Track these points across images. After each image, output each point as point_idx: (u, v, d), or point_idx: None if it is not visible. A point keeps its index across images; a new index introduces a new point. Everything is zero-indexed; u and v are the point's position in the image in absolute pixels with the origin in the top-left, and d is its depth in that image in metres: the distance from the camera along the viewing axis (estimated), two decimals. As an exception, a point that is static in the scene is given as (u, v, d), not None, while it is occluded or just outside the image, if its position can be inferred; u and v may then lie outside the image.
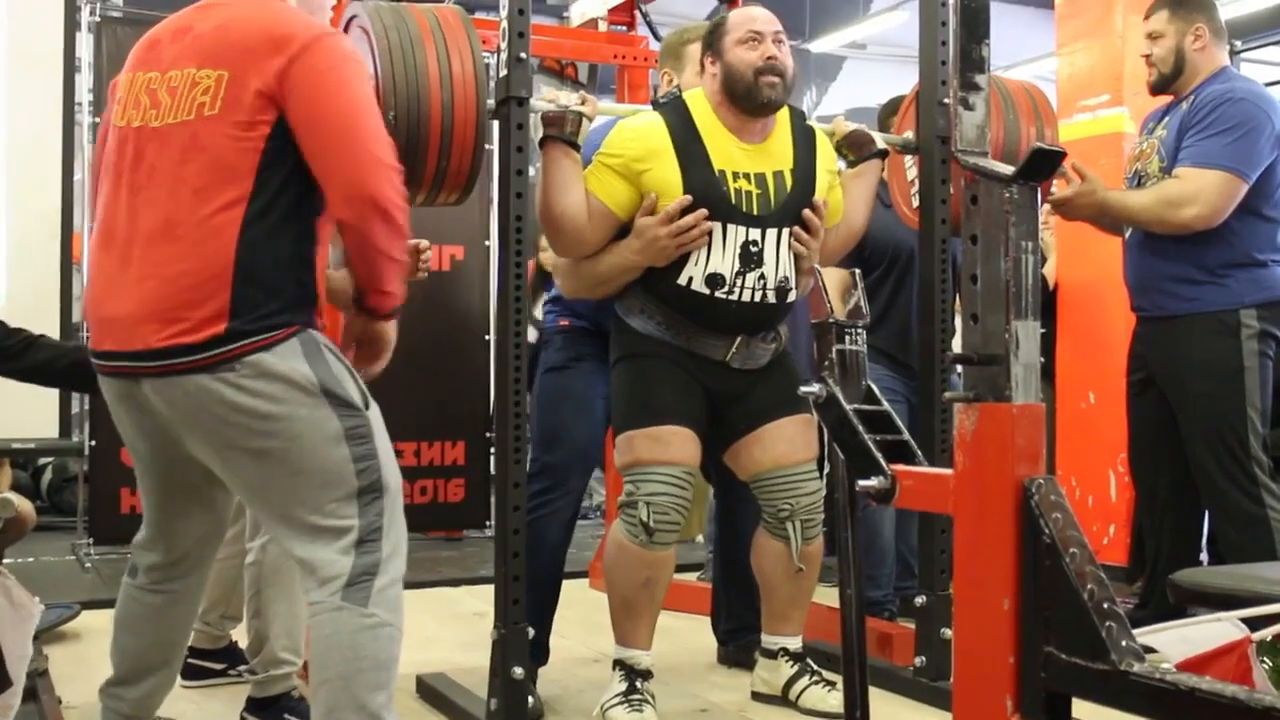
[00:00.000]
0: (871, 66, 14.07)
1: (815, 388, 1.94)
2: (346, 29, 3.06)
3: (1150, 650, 1.83)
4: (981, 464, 1.54)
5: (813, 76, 14.29)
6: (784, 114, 3.26)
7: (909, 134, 3.63)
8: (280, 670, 3.04)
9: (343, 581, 2.28)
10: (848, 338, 2.05)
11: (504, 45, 3.00)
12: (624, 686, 3.17)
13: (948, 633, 3.35)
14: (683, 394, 3.18)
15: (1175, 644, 2.02)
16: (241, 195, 2.28)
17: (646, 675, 3.20)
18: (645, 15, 5.20)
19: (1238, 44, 7.11)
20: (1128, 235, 3.92)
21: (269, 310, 2.29)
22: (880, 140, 3.49)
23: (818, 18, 13.62)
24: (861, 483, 1.80)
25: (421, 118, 2.86)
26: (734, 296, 3.14)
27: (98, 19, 6.13)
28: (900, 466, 1.79)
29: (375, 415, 2.40)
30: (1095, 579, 1.42)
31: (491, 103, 3.01)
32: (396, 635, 2.32)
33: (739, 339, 3.21)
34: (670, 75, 3.64)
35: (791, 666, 3.37)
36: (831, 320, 2.06)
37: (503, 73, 3.01)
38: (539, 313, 6.07)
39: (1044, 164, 1.53)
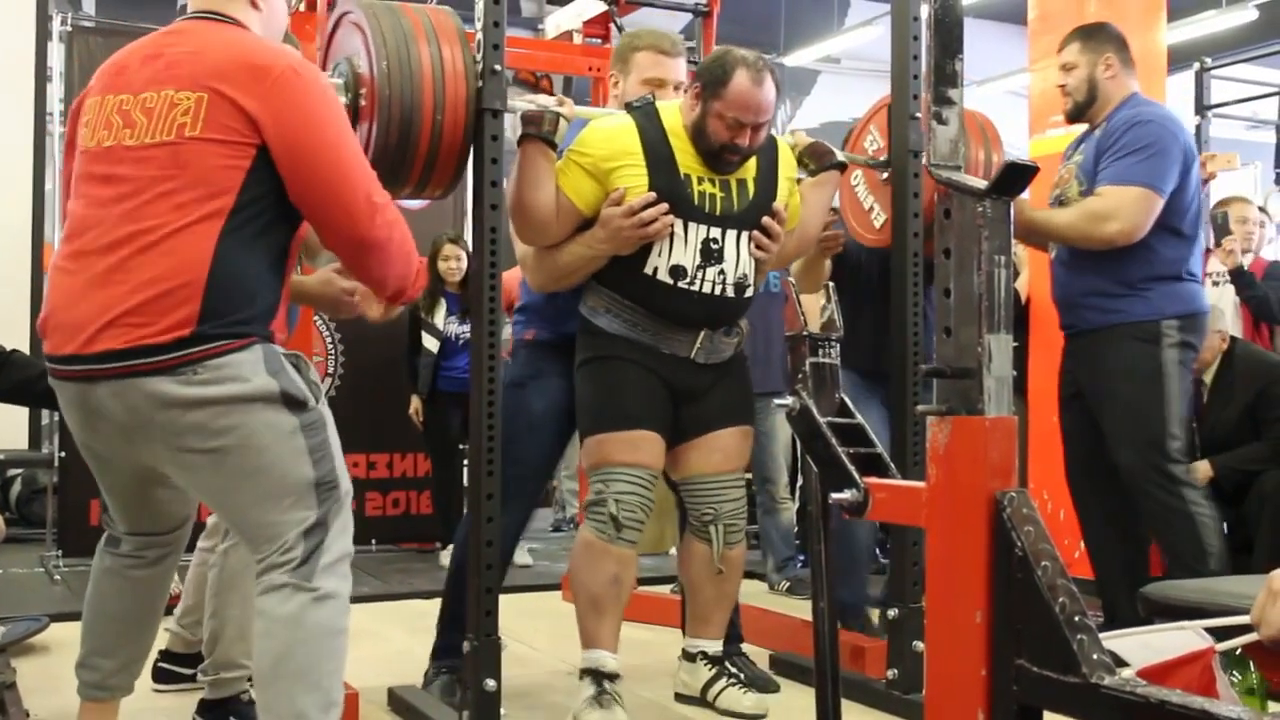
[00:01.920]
0: (845, 80, 14.11)
1: (789, 400, 1.94)
2: (338, 25, 3.11)
3: (1124, 664, 1.84)
4: (954, 477, 1.55)
5: (787, 90, 14.30)
6: None
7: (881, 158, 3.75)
8: (233, 673, 3.07)
9: (293, 564, 2.32)
10: (821, 351, 2.06)
11: (479, 57, 3.00)
12: (593, 690, 3.22)
13: (920, 645, 3.35)
14: (652, 399, 3.27)
15: (1138, 650, 2.02)
16: (222, 209, 2.33)
17: (613, 677, 3.25)
18: (620, 28, 5.21)
19: (1208, 60, 7.17)
20: (1053, 255, 4.08)
21: (235, 319, 2.33)
22: (840, 153, 3.60)
23: (792, 32, 13.65)
24: (834, 495, 1.80)
25: (414, 112, 2.90)
26: (695, 288, 3.23)
27: (69, 29, 6.10)
28: (873, 479, 1.80)
29: (326, 411, 2.45)
30: (1067, 592, 1.43)
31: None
32: (342, 607, 2.36)
33: (703, 333, 3.29)
34: (617, 79, 3.68)
35: (710, 669, 3.46)
36: (805, 333, 2.07)
37: (477, 85, 3.01)
38: (436, 321, 6.14)
39: (1017, 179, 1.54)
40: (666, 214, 3.17)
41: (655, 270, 3.21)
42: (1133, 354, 3.82)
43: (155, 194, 2.32)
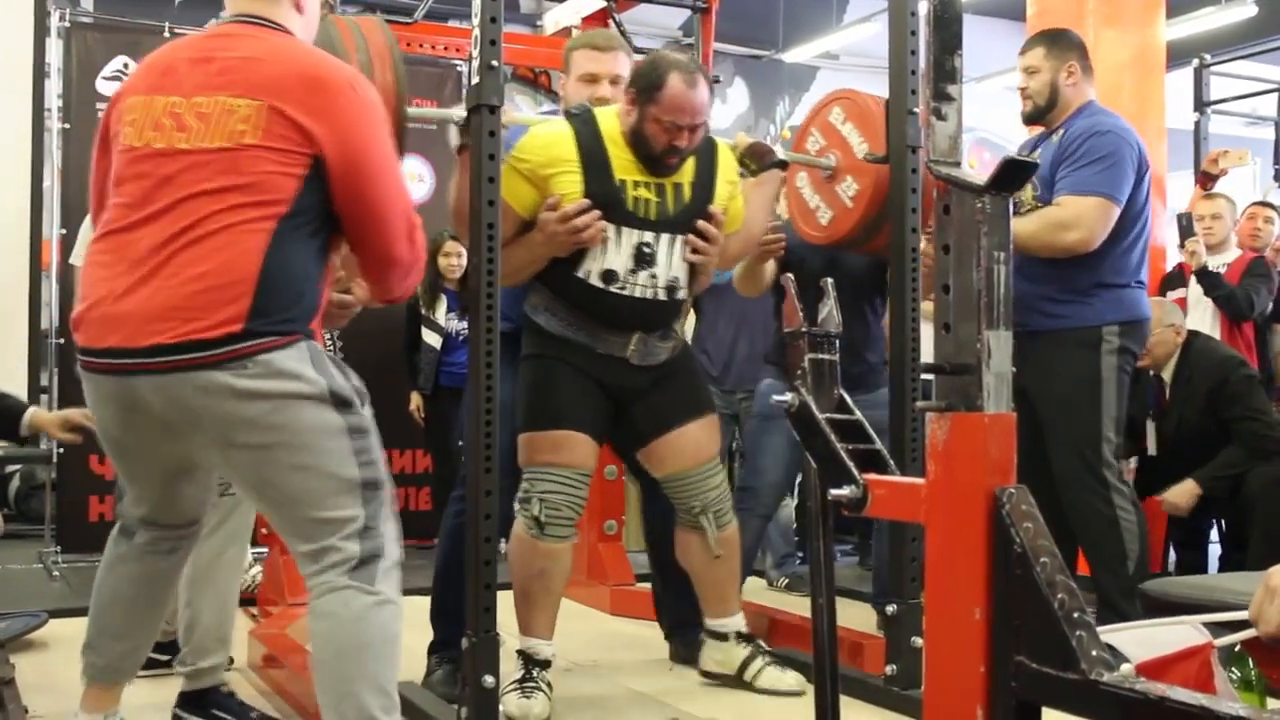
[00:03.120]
0: (844, 77, 14.02)
1: (788, 396, 1.94)
2: None
3: (1123, 660, 1.84)
4: (953, 473, 1.55)
5: (785, 87, 14.27)
6: None
7: (831, 157, 3.85)
8: (208, 661, 3.09)
9: (351, 565, 2.35)
10: (820, 347, 2.05)
11: (476, 53, 2.99)
12: (520, 674, 3.33)
13: (919, 641, 3.36)
14: (582, 399, 3.36)
15: (1137, 646, 2.03)
16: (276, 213, 2.37)
17: (545, 664, 3.37)
18: (619, 24, 5.19)
19: (1208, 56, 7.16)
20: None
21: (284, 317, 2.36)
22: (780, 151, 3.69)
23: (790, 28, 13.60)
24: (834, 491, 1.80)
25: None
26: (627, 292, 3.32)
27: (67, 25, 6.09)
28: (872, 475, 1.79)
29: (370, 416, 2.49)
30: (1065, 588, 1.43)
31: (410, 108, 3.15)
32: (400, 614, 2.40)
33: (637, 335, 3.38)
34: (564, 81, 3.79)
35: (745, 648, 3.55)
36: (803, 330, 2.06)
37: (475, 80, 3.00)
38: (437, 317, 6.17)
39: (1016, 174, 1.54)
40: (600, 219, 3.24)
41: (588, 274, 3.30)
42: (1074, 359, 3.99)
43: (208, 196, 2.35)
